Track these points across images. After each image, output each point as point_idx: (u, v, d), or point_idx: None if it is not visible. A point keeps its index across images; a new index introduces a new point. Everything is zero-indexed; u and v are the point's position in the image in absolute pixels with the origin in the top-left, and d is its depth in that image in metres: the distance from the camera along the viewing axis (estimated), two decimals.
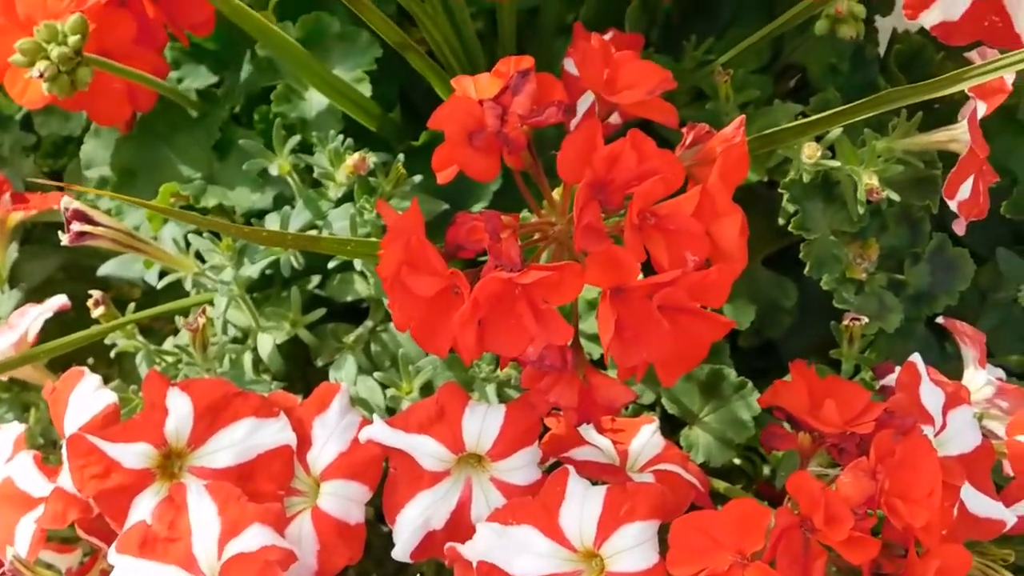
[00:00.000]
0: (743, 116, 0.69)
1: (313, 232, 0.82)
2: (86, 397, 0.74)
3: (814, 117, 0.75)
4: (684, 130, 0.71)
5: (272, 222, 0.84)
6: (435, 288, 0.64)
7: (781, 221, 0.84)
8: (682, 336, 0.65)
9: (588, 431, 0.75)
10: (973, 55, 0.82)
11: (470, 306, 0.62)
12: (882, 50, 1.01)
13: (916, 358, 0.76)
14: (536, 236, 0.69)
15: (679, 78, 0.90)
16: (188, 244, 0.85)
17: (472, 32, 0.88)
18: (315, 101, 0.88)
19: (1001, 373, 0.85)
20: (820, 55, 0.92)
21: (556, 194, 0.68)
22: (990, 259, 0.97)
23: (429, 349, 0.66)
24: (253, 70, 0.92)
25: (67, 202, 0.76)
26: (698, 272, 0.63)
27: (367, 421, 0.72)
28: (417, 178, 0.82)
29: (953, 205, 0.79)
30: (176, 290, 0.87)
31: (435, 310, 0.65)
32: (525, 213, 0.76)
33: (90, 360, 0.96)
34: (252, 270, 0.82)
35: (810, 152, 0.80)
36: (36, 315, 0.86)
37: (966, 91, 0.76)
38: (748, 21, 0.94)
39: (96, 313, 0.82)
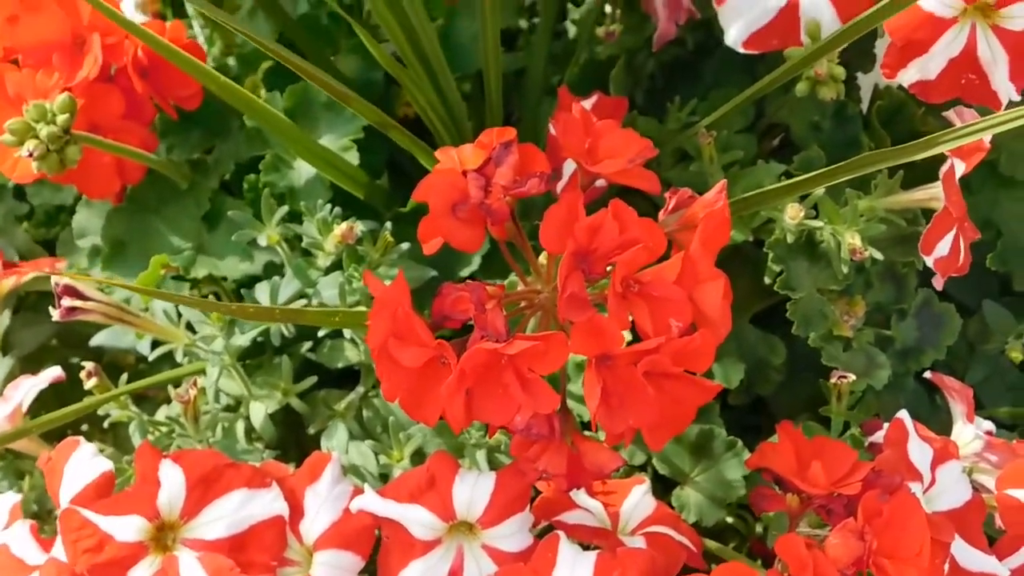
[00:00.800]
0: (724, 180, 0.70)
1: (302, 301, 0.82)
2: (81, 465, 0.74)
3: (795, 180, 0.76)
4: (667, 195, 0.72)
5: (262, 291, 0.84)
6: (422, 359, 0.64)
7: (767, 280, 0.85)
8: (668, 401, 0.66)
9: (579, 494, 0.75)
10: (951, 113, 0.82)
11: (457, 377, 0.63)
12: (865, 106, 1.02)
13: (904, 415, 0.77)
14: (523, 304, 0.70)
15: (664, 140, 0.93)
16: (179, 314, 0.86)
17: (457, 96, 0.90)
18: (303, 170, 0.89)
19: (990, 426, 0.85)
20: (802, 114, 0.93)
21: (542, 260, 0.69)
22: (978, 311, 0.98)
23: (418, 418, 0.67)
24: (242, 139, 0.93)
25: (57, 277, 0.77)
26: (682, 338, 0.64)
27: (359, 490, 0.72)
28: (405, 245, 0.82)
29: (930, 262, 0.79)
30: (170, 358, 0.88)
31: (423, 380, 0.65)
32: (513, 278, 0.77)
33: (84, 427, 0.97)
34: (243, 339, 0.82)
35: (793, 213, 0.81)
36: (30, 387, 0.87)
37: None
38: (731, 82, 0.95)
39: (89, 384, 0.82)
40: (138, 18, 1.33)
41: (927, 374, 0.87)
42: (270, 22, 0.98)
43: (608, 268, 0.64)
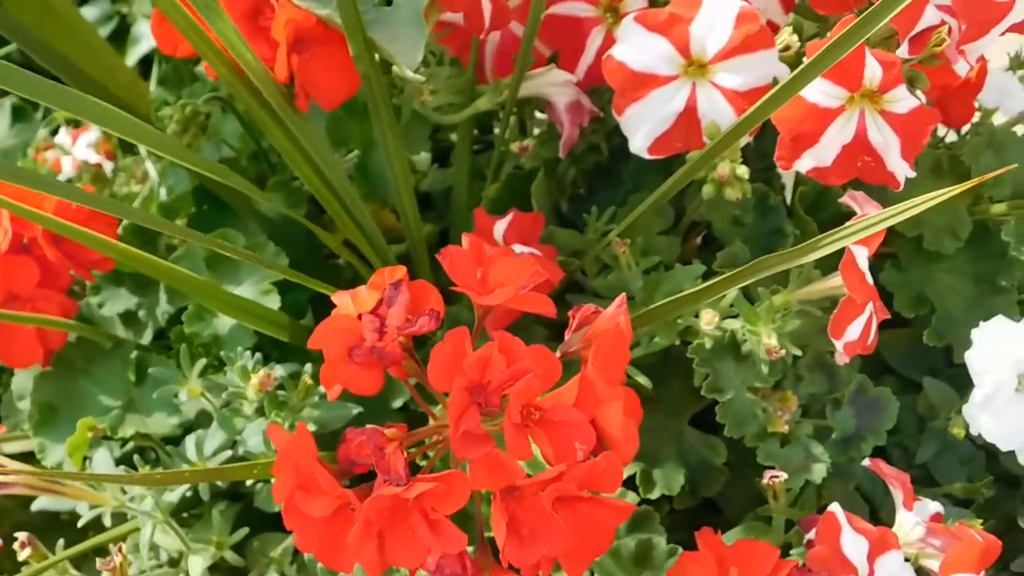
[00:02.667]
0: (623, 295, 0.70)
1: (229, 452, 0.82)
2: None
3: (703, 285, 0.76)
4: (569, 313, 0.72)
5: (190, 444, 0.84)
6: (328, 508, 0.64)
7: (696, 383, 0.84)
8: (583, 525, 0.65)
9: None
10: (847, 199, 0.83)
11: (362, 524, 0.63)
12: (789, 192, 1.02)
13: (835, 507, 0.76)
14: (435, 439, 0.69)
15: (585, 249, 0.93)
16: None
17: (372, 225, 0.90)
18: (226, 318, 0.89)
19: (936, 507, 0.84)
20: (722, 210, 0.93)
21: None
22: None
23: (335, 568, 0.67)
24: (168, 291, 0.94)
25: None
26: (586, 462, 0.63)
27: None
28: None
29: (839, 346, 0.79)
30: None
31: (334, 529, 0.65)
32: None
33: None
34: (174, 496, 0.82)
35: (708, 319, 0.81)
36: None
37: None
38: (649, 184, 0.95)
39: (23, 555, 0.82)
40: (91, 157, 1.36)
41: (866, 462, 0.86)
42: (189, 173, 1.00)
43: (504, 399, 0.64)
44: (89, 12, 1.59)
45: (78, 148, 1.35)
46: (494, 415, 0.64)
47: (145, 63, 1.51)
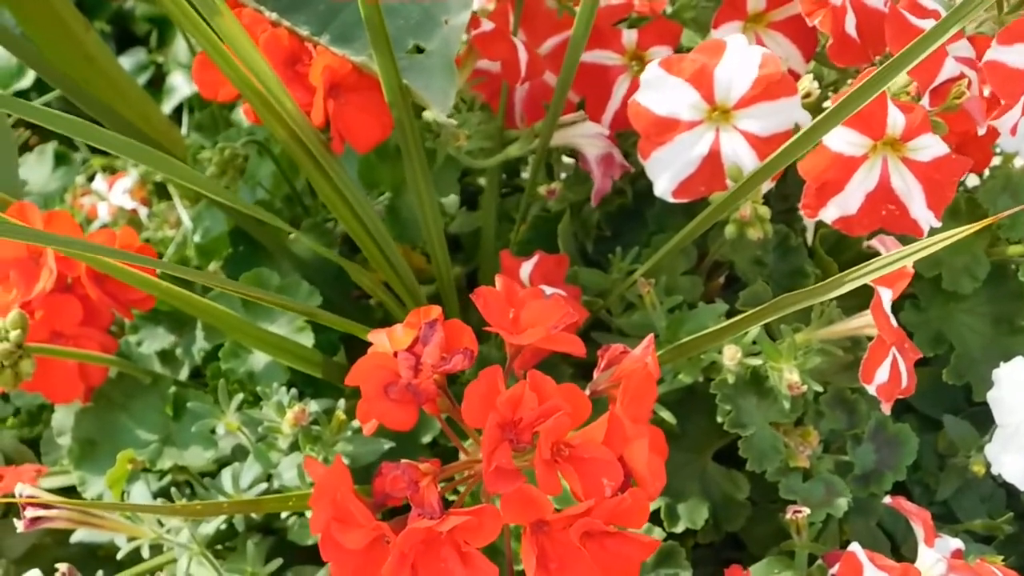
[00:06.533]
0: (651, 336, 0.72)
1: (264, 485, 0.85)
2: None
3: (727, 322, 0.78)
4: (598, 353, 0.74)
5: (226, 477, 0.87)
6: (364, 541, 0.66)
7: (719, 419, 0.86)
8: (610, 559, 0.67)
9: None
10: (875, 242, 0.85)
11: (396, 556, 0.65)
12: (811, 234, 1.04)
13: (855, 547, 0.77)
14: (466, 474, 0.71)
15: (610, 289, 0.95)
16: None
17: (405, 266, 0.92)
18: (261, 354, 0.92)
19: (957, 544, 0.85)
20: (744, 251, 0.95)
21: None
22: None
23: None
24: (204, 329, 0.97)
25: (21, 488, 0.79)
26: (613, 498, 0.65)
27: None
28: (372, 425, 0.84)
29: (871, 390, 0.80)
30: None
31: (369, 561, 0.67)
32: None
33: None
34: (210, 528, 0.84)
35: (730, 355, 0.83)
36: None
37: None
38: (672, 226, 0.98)
39: None
40: (127, 203, 1.40)
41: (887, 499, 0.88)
42: (225, 213, 1.03)
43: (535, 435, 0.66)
44: (126, 61, 1.64)
45: (114, 194, 1.39)
46: (524, 451, 0.67)
47: (176, 112, 1.56)
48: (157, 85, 1.63)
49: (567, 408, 0.65)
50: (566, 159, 1.11)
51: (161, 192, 1.39)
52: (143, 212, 1.36)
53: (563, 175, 1.11)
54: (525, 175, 1.18)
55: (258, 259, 1.00)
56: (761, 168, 0.78)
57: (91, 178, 1.45)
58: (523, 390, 0.65)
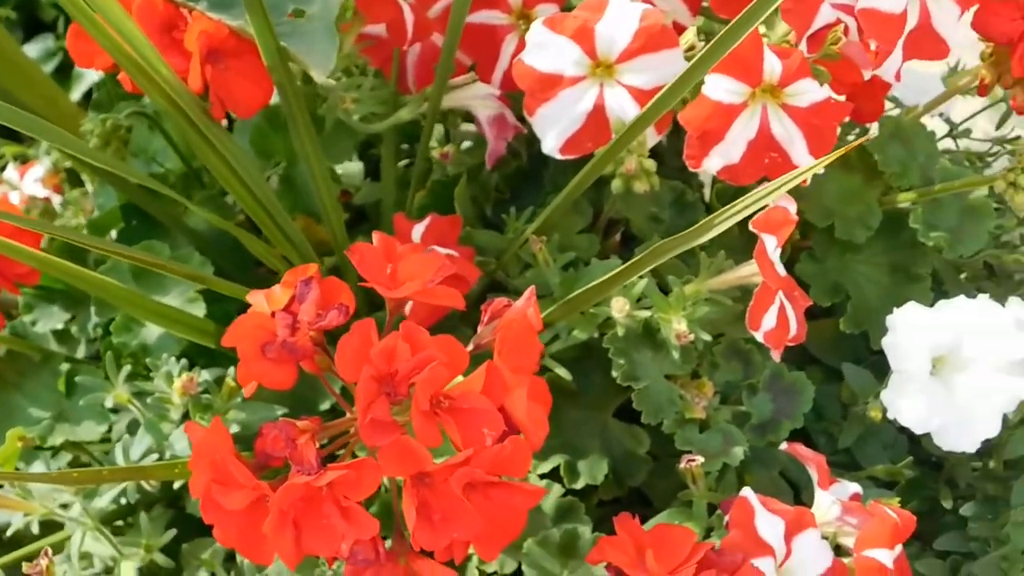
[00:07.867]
0: (532, 288, 0.72)
1: (154, 456, 0.84)
2: None
3: (612, 273, 0.78)
4: (482, 307, 0.74)
5: (118, 451, 0.86)
6: (244, 501, 0.66)
7: (614, 373, 0.86)
8: (496, 510, 0.67)
9: None
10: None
11: (276, 514, 0.64)
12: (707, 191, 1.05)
13: (747, 492, 0.78)
14: (351, 432, 0.71)
15: (505, 249, 0.95)
16: None
17: (299, 234, 0.92)
18: (154, 327, 0.91)
19: (853, 489, 0.85)
20: (638, 207, 0.95)
21: None
22: None
23: (255, 560, 0.68)
24: (96, 304, 0.95)
25: None
26: (492, 447, 0.65)
27: None
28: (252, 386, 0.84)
29: (760, 336, 0.81)
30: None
31: (252, 521, 0.67)
32: None
33: None
34: (103, 501, 0.83)
35: (618, 307, 0.83)
36: None
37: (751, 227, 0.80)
38: (567, 185, 0.97)
39: None
40: (39, 192, 1.38)
41: (783, 445, 0.88)
42: (117, 189, 1.01)
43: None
44: (34, 48, 1.62)
45: (26, 183, 1.36)
46: (405, 405, 0.66)
47: (87, 98, 1.53)
48: (66, 72, 1.60)
49: (443, 359, 0.65)
50: (467, 127, 1.11)
51: (74, 180, 1.38)
52: (56, 200, 1.34)
53: (467, 142, 1.10)
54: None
55: (152, 234, 0.98)
56: (640, 117, 0.77)
57: (2, 168, 1.43)
58: (396, 341, 0.65)
